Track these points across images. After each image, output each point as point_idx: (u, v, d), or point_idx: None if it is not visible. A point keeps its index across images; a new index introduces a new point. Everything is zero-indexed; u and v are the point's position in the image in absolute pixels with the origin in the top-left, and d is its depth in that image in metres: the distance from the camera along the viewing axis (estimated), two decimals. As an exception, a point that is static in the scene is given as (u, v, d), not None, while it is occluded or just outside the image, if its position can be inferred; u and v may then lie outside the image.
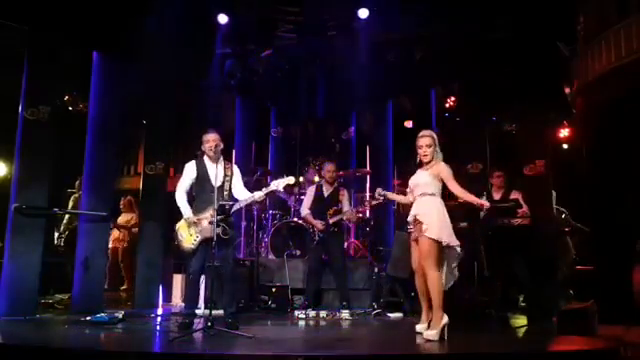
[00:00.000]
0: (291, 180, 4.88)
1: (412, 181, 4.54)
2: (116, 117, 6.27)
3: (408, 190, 4.65)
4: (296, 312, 5.89)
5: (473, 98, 7.43)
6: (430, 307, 4.29)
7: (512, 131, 8.69)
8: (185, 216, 4.70)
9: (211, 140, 4.71)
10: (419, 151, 4.46)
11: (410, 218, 4.41)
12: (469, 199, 4.38)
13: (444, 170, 4.38)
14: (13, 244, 5.34)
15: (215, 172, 4.60)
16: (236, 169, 4.92)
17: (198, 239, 4.64)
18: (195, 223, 4.64)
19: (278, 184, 4.77)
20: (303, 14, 6.89)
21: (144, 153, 7.07)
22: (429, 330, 4.19)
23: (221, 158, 4.76)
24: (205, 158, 4.80)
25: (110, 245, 7.78)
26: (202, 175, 4.75)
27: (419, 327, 4.41)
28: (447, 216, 4.30)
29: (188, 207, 4.73)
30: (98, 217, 5.95)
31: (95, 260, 5.92)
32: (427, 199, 4.34)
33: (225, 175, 4.74)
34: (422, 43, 7.31)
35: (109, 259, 7.61)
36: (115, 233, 7.91)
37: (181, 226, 4.74)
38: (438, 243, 4.18)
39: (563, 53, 5.84)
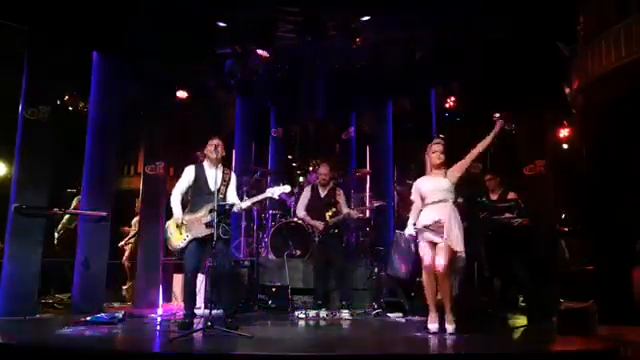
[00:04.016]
0: (287, 189, 4.92)
1: (428, 187, 4.56)
2: (116, 117, 6.27)
3: (415, 195, 4.65)
4: (296, 312, 5.89)
5: (473, 98, 7.42)
6: (437, 307, 4.51)
7: (512, 131, 8.67)
8: (175, 217, 4.75)
9: (215, 144, 4.80)
10: (433, 155, 4.60)
11: (430, 221, 4.44)
12: (488, 141, 4.71)
13: (456, 166, 4.60)
14: (13, 244, 5.34)
15: (214, 176, 4.67)
16: (233, 176, 5.00)
17: (188, 238, 4.70)
18: (184, 224, 4.68)
19: (274, 192, 4.85)
20: (303, 14, 6.88)
21: (144, 153, 7.07)
22: (450, 325, 4.38)
23: (220, 164, 4.84)
24: (205, 163, 4.89)
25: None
26: (200, 178, 4.83)
27: (433, 327, 4.48)
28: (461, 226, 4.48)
29: (180, 208, 4.80)
30: (98, 217, 5.95)
31: (95, 260, 5.91)
32: (449, 206, 4.45)
33: (223, 180, 4.81)
34: (422, 43, 7.30)
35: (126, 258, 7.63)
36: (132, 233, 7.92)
37: (171, 223, 4.80)
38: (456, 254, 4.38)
39: (563, 53, 5.83)
